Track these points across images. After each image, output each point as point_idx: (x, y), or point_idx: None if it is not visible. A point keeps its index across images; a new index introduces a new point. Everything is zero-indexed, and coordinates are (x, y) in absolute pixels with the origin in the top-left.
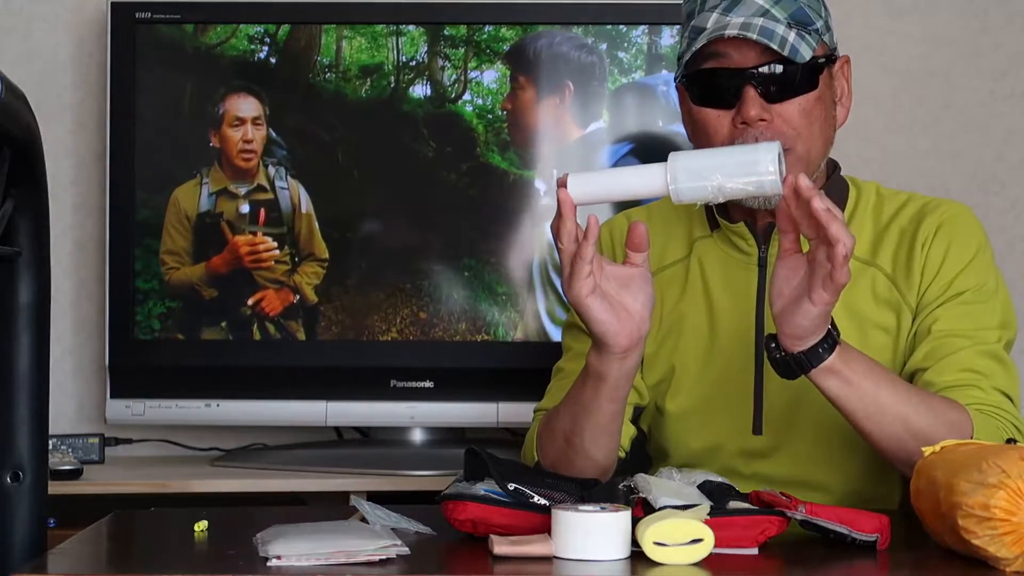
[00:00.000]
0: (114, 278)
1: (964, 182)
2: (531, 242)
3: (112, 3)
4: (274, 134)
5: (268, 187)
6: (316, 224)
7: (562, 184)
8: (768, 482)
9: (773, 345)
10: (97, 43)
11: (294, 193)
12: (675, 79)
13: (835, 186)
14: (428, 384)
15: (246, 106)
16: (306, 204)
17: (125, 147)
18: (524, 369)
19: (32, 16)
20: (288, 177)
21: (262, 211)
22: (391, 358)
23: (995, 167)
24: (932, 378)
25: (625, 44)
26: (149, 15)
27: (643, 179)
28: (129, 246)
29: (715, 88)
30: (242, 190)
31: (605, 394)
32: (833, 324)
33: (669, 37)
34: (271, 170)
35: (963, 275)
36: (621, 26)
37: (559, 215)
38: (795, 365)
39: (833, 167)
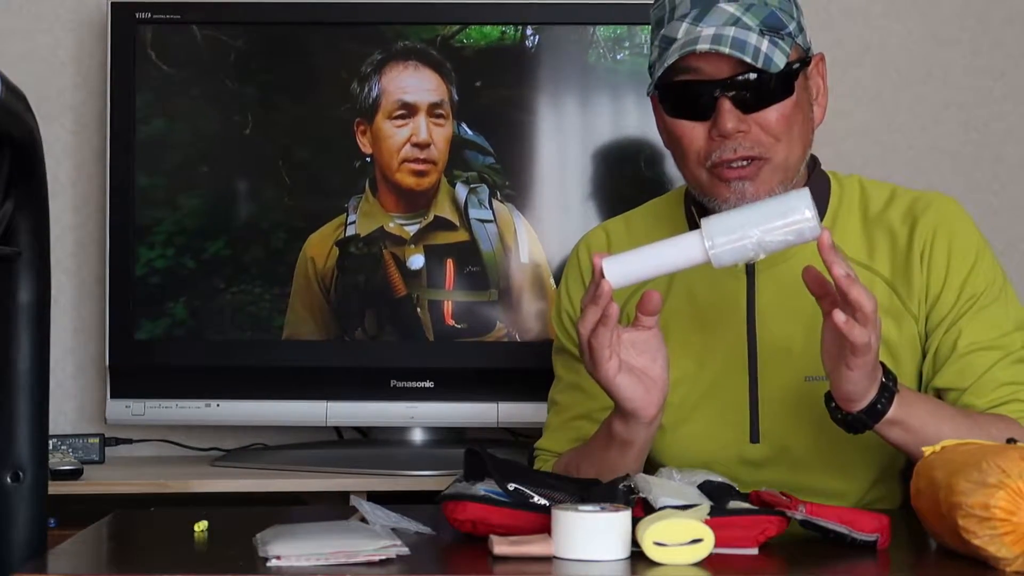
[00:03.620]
0: (114, 278)
1: (964, 182)
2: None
3: (112, 3)
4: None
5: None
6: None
7: (599, 272)
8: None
9: (833, 405)
10: (97, 43)
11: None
12: (647, 90)
13: (816, 182)
14: (428, 384)
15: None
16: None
17: (125, 147)
18: (524, 369)
19: (32, 16)
20: None
21: None
22: (391, 358)
23: (995, 167)
24: (973, 401)
25: None
26: (149, 15)
27: (680, 250)
28: (129, 246)
29: (688, 100)
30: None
31: (632, 456)
32: (887, 373)
33: None
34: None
35: (972, 278)
36: None
37: (592, 304)
38: (857, 424)
39: (813, 163)
